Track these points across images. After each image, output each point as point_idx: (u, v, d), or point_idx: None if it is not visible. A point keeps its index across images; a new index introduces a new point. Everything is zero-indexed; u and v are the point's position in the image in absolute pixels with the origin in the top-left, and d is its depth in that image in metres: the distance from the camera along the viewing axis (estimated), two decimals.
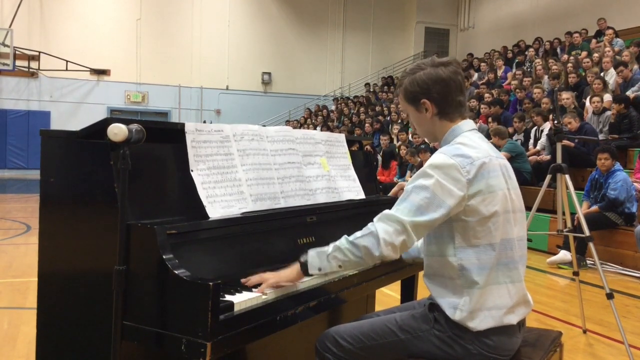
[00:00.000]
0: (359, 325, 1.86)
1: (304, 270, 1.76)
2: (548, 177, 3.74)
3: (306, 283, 1.85)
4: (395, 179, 10.07)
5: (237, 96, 20.18)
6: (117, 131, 1.49)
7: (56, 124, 17.95)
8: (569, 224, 3.73)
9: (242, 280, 1.76)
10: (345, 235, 1.73)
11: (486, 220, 1.67)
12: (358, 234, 1.70)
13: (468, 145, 1.72)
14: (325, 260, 1.72)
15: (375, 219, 1.69)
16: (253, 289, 1.72)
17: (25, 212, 9.40)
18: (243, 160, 2.04)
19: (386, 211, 1.69)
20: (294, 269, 1.78)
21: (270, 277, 1.75)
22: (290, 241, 2.09)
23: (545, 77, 10.68)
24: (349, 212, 2.48)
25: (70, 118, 18.08)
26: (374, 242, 1.65)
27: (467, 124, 1.80)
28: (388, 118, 14.02)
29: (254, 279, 1.75)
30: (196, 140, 1.89)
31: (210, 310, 1.44)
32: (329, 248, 1.73)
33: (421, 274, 1.88)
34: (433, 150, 8.63)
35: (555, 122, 3.84)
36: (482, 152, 1.71)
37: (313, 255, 1.75)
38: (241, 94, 20.23)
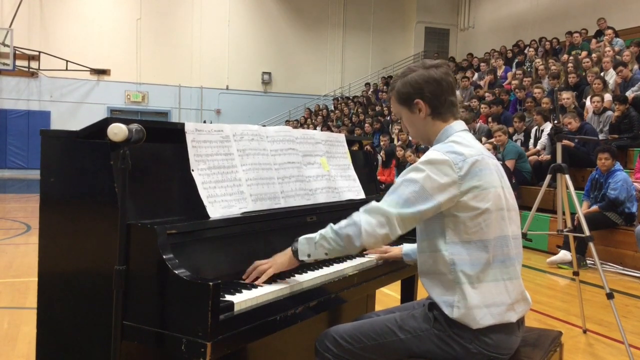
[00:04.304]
0: (359, 325, 1.86)
1: (296, 257, 1.81)
2: (548, 177, 3.74)
3: (306, 283, 1.85)
4: (394, 179, 10.07)
5: (237, 96, 20.18)
6: (117, 131, 1.49)
7: (56, 124, 17.96)
8: (569, 224, 3.72)
9: (243, 277, 1.80)
10: (331, 224, 1.77)
11: (477, 217, 1.69)
12: (343, 222, 1.75)
13: (461, 144, 1.74)
14: (313, 247, 1.78)
15: (361, 209, 1.73)
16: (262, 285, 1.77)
17: (25, 212, 9.41)
18: (243, 160, 2.04)
19: (373, 202, 1.72)
20: (286, 255, 1.84)
21: (266, 266, 1.81)
22: (291, 241, 2.07)
23: (546, 77, 10.68)
24: (349, 212, 2.45)
25: (70, 118, 18.08)
26: (356, 232, 1.70)
27: (459, 124, 1.83)
28: (388, 118, 14.01)
29: (252, 274, 1.80)
30: (196, 140, 1.89)
31: (210, 310, 1.44)
32: (316, 235, 1.78)
33: None
34: None
35: (556, 122, 3.84)
36: (474, 150, 1.73)
37: (303, 242, 1.81)
38: (241, 94, 20.23)
